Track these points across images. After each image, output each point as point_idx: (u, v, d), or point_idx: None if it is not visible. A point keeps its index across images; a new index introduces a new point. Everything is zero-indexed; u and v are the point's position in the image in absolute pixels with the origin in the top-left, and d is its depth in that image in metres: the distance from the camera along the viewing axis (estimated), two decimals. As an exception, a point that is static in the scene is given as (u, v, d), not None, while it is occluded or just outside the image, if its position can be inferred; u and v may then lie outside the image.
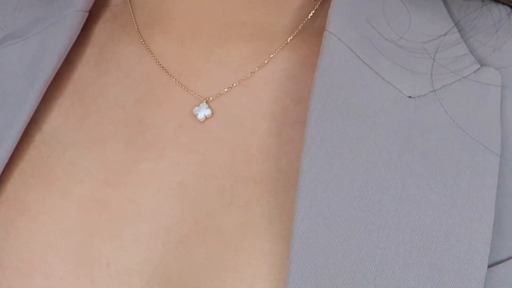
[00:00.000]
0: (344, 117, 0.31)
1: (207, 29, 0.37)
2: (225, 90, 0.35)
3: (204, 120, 0.35)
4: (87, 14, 0.38)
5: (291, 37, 0.36)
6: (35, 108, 0.36)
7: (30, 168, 0.35)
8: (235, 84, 0.35)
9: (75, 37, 0.38)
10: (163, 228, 0.33)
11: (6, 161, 0.34)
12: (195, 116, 0.35)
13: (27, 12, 0.40)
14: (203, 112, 0.35)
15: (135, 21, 0.39)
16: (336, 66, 0.32)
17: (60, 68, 0.38)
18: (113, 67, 0.38)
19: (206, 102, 0.35)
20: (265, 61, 0.36)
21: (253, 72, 0.36)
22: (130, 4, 0.40)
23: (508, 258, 0.30)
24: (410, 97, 0.32)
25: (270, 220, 0.31)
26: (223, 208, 0.32)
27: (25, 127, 0.35)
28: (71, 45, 0.37)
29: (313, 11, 0.37)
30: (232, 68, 0.36)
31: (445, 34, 0.34)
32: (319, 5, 0.37)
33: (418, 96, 0.32)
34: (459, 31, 0.35)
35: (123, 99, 0.36)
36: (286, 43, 0.36)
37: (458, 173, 0.31)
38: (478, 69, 0.33)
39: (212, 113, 0.35)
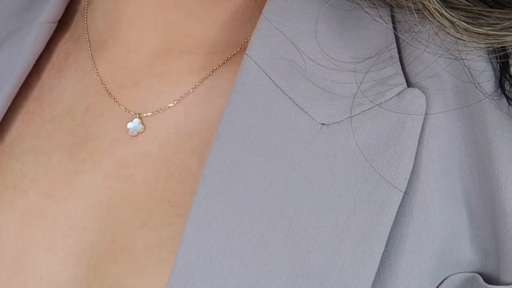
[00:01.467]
0: (246, 145, 0.30)
1: (152, 38, 0.36)
2: (160, 106, 0.35)
3: (136, 135, 0.35)
4: (55, 25, 0.40)
5: (231, 55, 0.35)
6: (1, 119, 0.38)
7: None
8: (171, 101, 0.35)
9: (42, 48, 0.39)
10: (89, 244, 0.34)
11: None
12: (128, 130, 0.35)
13: (5, 24, 0.42)
14: (135, 126, 0.35)
15: (86, 29, 0.40)
16: (248, 91, 0.31)
17: (29, 75, 0.40)
18: (71, 73, 0.39)
19: (139, 117, 0.35)
20: (201, 78, 0.35)
21: (189, 88, 0.35)
22: (86, 13, 0.40)
23: None
24: (323, 124, 0.30)
25: (173, 245, 0.31)
26: (136, 228, 0.33)
27: None
28: (37, 55, 0.39)
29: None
30: (169, 82, 0.36)
31: (380, 54, 0.31)
32: None
33: (333, 123, 0.30)
34: (398, 45, 0.31)
35: (75, 107, 0.38)
36: (226, 60, 0.35)
37: (353, 211, 0.29)
38: (402, 91, 0.30)
39: (144, 129, 0.35)
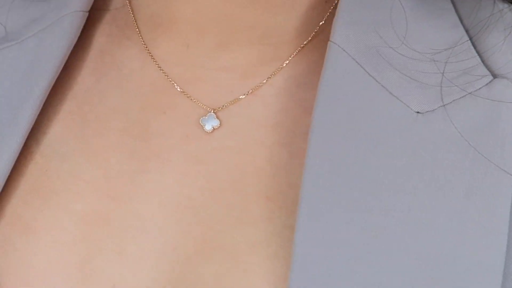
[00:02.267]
0: (348, 134, 0.30)
1: (213, 32, 0.35)
2: (233, 100, 0.34)
3: (212, 131, 0.33)
4: (86, 14, 0.36)
5: (305, 43, 0.35)
6: (35, 117, 0.34)
7: (28, 182, 0.33)
8: (244, 94, 0.34)
9: (75, 40, 0.36)
10: (169, 246, 0.31)
11: (7, 176, 0.32)
12: (202, 126, 0.33)
13: (21, 12, 0.38)
14: (210, 122, 0.33)
15: (136, 24, 0.37)
16: (339, 79, 0.31)
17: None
18: (113, 72, 0.36)
19: (213, 112, 0.34)
20: (275, 68, 0.34)
21: (263, 80, 0.34)
22: (130, 7, 0.38)
23: None
24: (418, 112, 0.31)
25: (281, 240, 0.30)
26: (232, 226, 0.31)
27: (25, 138, 0.33)
28: (71, 48, 0.35)
29: (327, 15, 0.35)
30: (239, 75, 0.34)
31: (455, 46, 0.32)
32: (332, 8, 0.36)
33: (427, 112, 0.31)
34: (470, 38, 0.33)
35: (125, 106, 0.35)
36: (300, 49, 0.35)
37: (467, 194, 0.29)
38: (491, 81, 0.32)
39: (220, 124, 0.33)
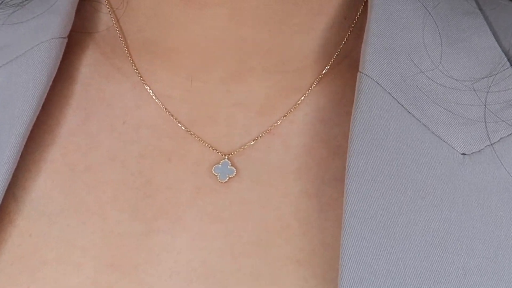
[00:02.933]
0: (389, 184, 0.26)
1: (222, 61, 0.30)
2: (250, 141, 0.29)
3: (227, 181, 0.28)
4: (65, 41, 0.31)
5: (327, 68, 0.30)
6: (13, 171, 0.28)
7: (8, 253, 0.28)
8: (261, 133, 0.29)
9: (54, 73, 0.30)
10: None
11: None
12: (216, 176, 0.28)
13: (4, 34, 0.32)
14: (225, 171, 0.28)
15: (128, 52, 0.32)
16: (375, 118, 0.27)
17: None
18: (101, 111, 0.31)
19: (227, 158, 0.29)
20: (295, 101, 0.30)
21: (281, 115, 0.29)
22: (120, 31, 0.32)
23: None
24: (464, 154, 0.27)
25: None
26: None
27: (2, 197, 0.28)
28: (50, 83, 0.30)
29: (348, 34, 0.31)
30: (255, 111, 0.30)
31: (496, 72, 0.28)
32: (353, 26, 0.31)
33: (473, 153, 0.27)
34: (511, 62, 0.29)
35: (121, 153, 0.30)
36: (321, 76, 0.30)
37: None
38: None
39: (236, 172, 0.28)
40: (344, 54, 0.31)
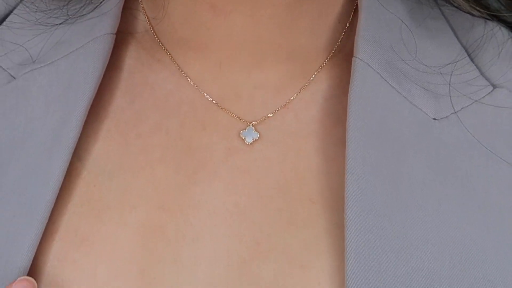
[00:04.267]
0: (379, 139, 0.34)
1: (244, 53, 0.38)
2: (270, 114, 0.37)
3: (252, 143, 0.36)
4: (114, 37, 0.38)
5: (327, 60, 0.38)
6: (78, 136, 0.35)
7: (78, 198, 0.35)
8: (278, 107, 0.37)
9: (107, 61, 0.37)
10: (223, 251, 0.33)
11: (57, 192, 0.33)
12: (243, 139, 0.36)
13: (45, 36, 0.39)
14: (251, 135, 0.36)
15: (165, 48, 0.39)
16: (367, 91, 0.35)
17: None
18: (146, 93, 0.38)
19: (252, 125, 0.36)
20: (303, 84, 0.38)
21: (293, 94, 0.37)
22: (154, 32, 0.40)
23: None
24: (434, 119, 0.35)
25: (332, 238, 0.33)
26: (283, 228, 0.33)
27: (71, 156, 0.35)
28: (104, 69, 0.37)
29: (342, 34, 0.39)
30: (271, 90, 0.37)
31: (457, 61, 0.37)
32: (346, 28, 0.39)
33: (442, 118, 0.35)
34: (468, 55, 0.38)
35: (165, 124, 0.37)
36: (322, 66, 0.38)
37: (487, 190, 0.33)
38: (492, 90, 0.36)
39: (259, 136, 0.36)
40: (339, 49, 0.39)
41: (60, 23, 0.39)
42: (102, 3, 0.38)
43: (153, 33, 0.40)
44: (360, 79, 0.35)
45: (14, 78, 0.38)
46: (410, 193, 0.33)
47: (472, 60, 0.37)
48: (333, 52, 0.39)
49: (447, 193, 0.33)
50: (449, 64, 0.37)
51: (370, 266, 0.31)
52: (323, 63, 0.38)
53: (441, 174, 0.33)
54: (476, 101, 0.35)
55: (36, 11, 0.39)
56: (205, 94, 0.38)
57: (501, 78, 0.37)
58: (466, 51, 0.38)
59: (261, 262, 0.33)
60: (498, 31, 0.38)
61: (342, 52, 0.39)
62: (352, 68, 0.35)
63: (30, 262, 0.32)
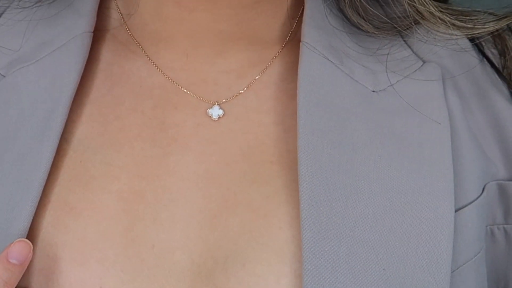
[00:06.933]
0: (326, 110, 0.39)
1: (208, 44, 0.43)
2: (232, 95, 0.42)
3: (218, 119, 0.41)
4: (92, 34, 0.43)
5: (281, 48, 0.44)
6: (65, 121, 0.40)
7: (66, 174, 0.39)
8: (240, 90, 0.42)
9: (87, 55, 0.42)
10: (196, 209, 0.38)
11: (48, 169, 0.38)
12: (210, 116, 0.41)
13: (32, 36, 0.44)
14: (216, 112, 0.41)
15: (136, 41, 0.45)
16: (313, 69, 0.41)
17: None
18: (123, 80, 0.43)
19: (217, 104, 0.42)
20: (262, 69, 0.43)
21: (254, 78, 0.43)
22: (127, 27, 0.45)
23: (468, 204, 0.39)
24: (373, 91, 0.41)
25: (290, 192, 0.38)
26: (248, 186, 0.39)
27: (59, 139, 0.39)
28: (84, 62, 0.42)
29: (293, 27, 0.45)
30: (234, 75, 0.43)
31: (392, 46, 0.43)
32: (297, 21, 0.45)
33: (380, 90, 0.41)
34: (401, 36, 0.44)
35: (140, 106, 0.42)
36: (278, 53, 0.44)
37: (420, 144, 0.39)
38: (422, 65, 0.42)
39: (224, 113, 0.41)
40: (291, 38, 0.45)
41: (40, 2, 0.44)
42: None
43: (126, 28, 0.45)
44: (307, 59, 0.41)
45: (4, 76, 0.42)
46: (353, 152, 0.38)
47: (405, 41, 0.44)
48: (286, 41, 0.45)
49: (387, 150, 0.39)
50: (386, 46, 0.43)
51: (321, 212, 0.36)
52: (278, 51, 0.44)
53: (381, 135, 0.39)
54: (407, 76, 0.42)
55: None
56: (174, 81, 0.43)
57: (429, 54, 0.43)
58: (400, 34, 0.44)
59: (229, 216, 0.38)
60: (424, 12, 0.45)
61: (294, 40, 0.45)
62: (300, 51, 0.41)
63: (27, 228, 0.37)
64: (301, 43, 0.41)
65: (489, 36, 0.44)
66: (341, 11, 0.44)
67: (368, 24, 0.42)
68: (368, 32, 0.42)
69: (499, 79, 0.45)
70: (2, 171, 0.39)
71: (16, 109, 0.41)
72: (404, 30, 0.43)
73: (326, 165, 0.37)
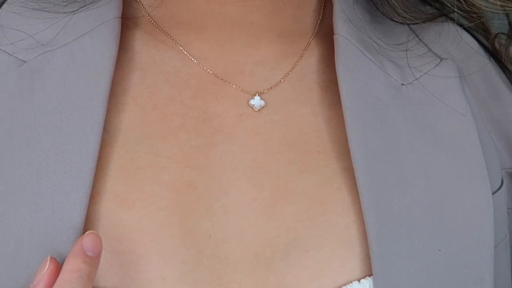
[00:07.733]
0: (367, 100, 0.41)
1: (241, 35, 0.43)
2: (270, 86, 0.43)
3: (260, 110, 0.42)
4: (120, 20, 0.42)
5: (310, 40, 0.45)
6: (105, 111, 0.38)
7: (112, 164, 0.38)
8: (277, 81, 0.43)
9: (119, 41, 0.41)
10: (248, 199, 0.39)
11: (97, 158, 0.37)
12: (251, 106, 0.42)
13: (50, 21, 0.41)
14: (258, 102, 0.42)
15: (163, 31, 0.44)
16: (350, 61, 0.42)
17: None
18: (155, 69, 0.42)
19: (258, 95, 0.42)
20: (295, 61, 0.44)
21: (287, 70, 0.43)
22: (151, 18, 0.44)
23: (497, 189, 0.42)
24: (402, 84, 0.43)
25: (341, 179, 0.39)
26: (298, 175, 0.39)
27: (103, 126, 0.38)
28: (117, 48, 0.40)
29: (318, 22, 0.46)
30: (269, 67, 0.44)
31: (408, 40, 0.45)
32: (321, 16, 0.47)
33: (407, 84, 0.43)
34: (416, 36, 0.46)
35: (178, 96, 0.41)
36: (308, 45, 0.45)
37: (451, 135, 0.42)
38: (440, 62, 0.45)
39: (265, 104, 0.42)
40: (317, 32, 0.46)
41: (75, 11, 0.42)
42: None
43: (149, 18, 0.44)
44: (343, 52, 0.42)
45: (25, 61, 0.40)
46: (397, 141, 0.40)
47: (420, 39, 0.46)
48: (314, 35, 0.46)
49: (424, 140, 0.41)
50: (403, 43, 0.45)
51: (379, 198, 0.37)
52: (308, 43, 0.45)
53: (417, 126, 0.41)
54: (427, 72, 0.44)
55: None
56: (209, 71, 0.43)
57: (444, 53, 0.46)
58: (414, 32, 0.46)
59: (284, 204, 0.38)
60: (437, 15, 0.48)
61: (319, 34, 0.46)
62: (335, 43, 0.42)
63: (83, 220, 0.35)
64: (335, 36, 0.43)
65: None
66: (368, 1, 0.45)
67: (403, 11, 0.44)
68: (398, 19, 0.44)
69: (506, 76, 0.48)
70: (46, 162, 0.37)
71: (43, 96, 0.39)
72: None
73: (376, 154, 0.39)
